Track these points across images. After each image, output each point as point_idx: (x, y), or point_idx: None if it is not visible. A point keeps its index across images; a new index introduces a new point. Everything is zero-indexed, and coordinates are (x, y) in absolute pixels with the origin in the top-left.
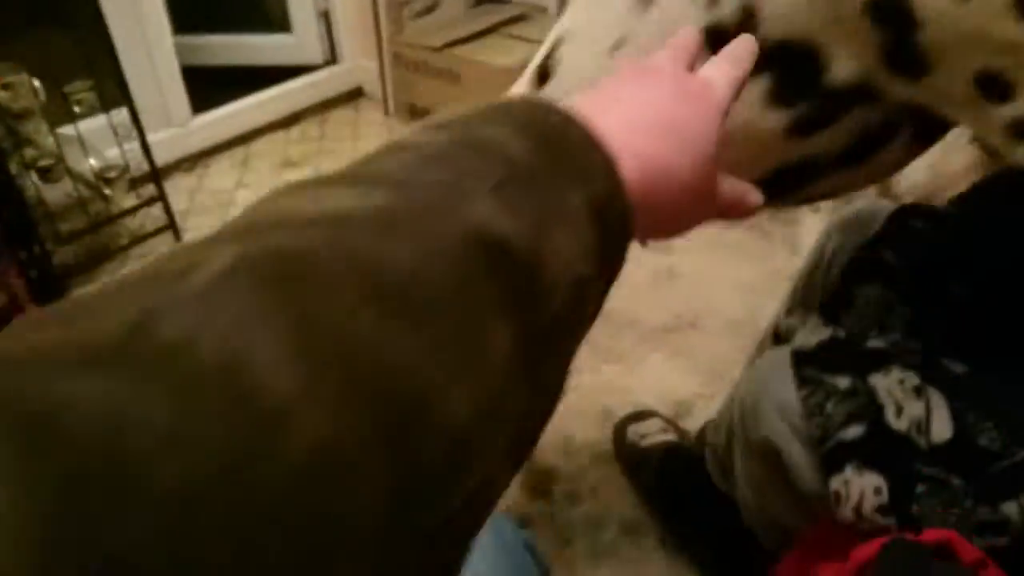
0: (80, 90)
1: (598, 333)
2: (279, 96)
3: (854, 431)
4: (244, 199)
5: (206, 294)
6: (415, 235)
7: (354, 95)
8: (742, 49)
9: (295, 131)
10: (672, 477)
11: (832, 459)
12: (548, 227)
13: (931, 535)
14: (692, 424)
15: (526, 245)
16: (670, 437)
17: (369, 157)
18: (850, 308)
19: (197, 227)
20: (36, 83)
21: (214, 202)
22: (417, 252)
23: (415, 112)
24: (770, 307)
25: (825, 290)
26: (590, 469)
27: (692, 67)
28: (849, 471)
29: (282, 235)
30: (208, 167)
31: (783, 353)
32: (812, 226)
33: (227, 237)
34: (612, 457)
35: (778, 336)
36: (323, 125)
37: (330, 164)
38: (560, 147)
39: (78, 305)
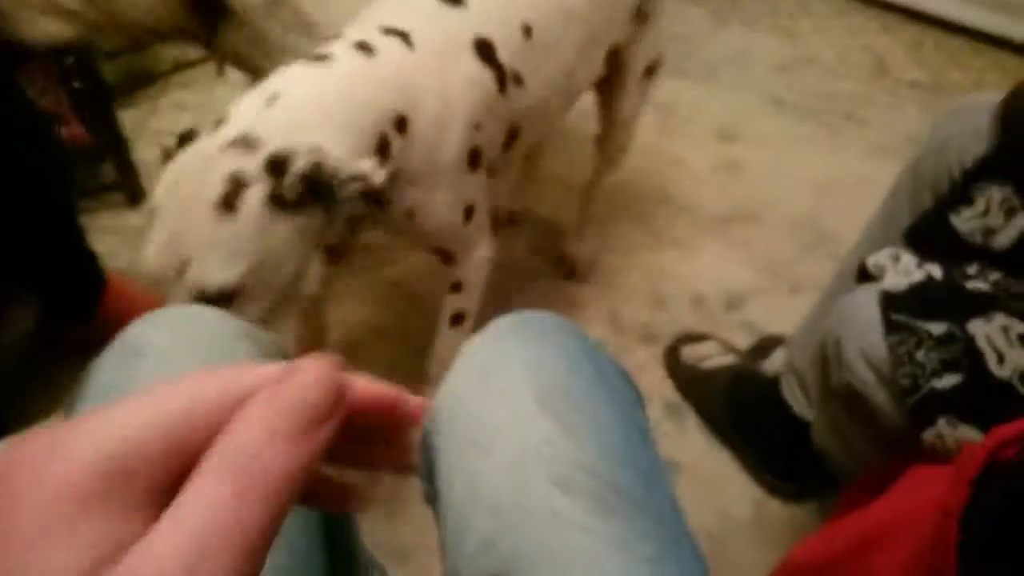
0: None
1: (655, 215)
2: None
3: (948, 380)
4: None
5: None
6: None
7: None
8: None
9: None
10: (743, 402)
11: (922, 410)
12: None
13: None
14: (741, 317)
15: None
16: (729, 360)
17: None
18: (966, 206)
19: None
20: None
21: None
22: None
23: None
24: (835, 208)
25: (937, 186)
26: (637, 349)
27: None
28: (942, 424)
29: None
30: None
31: (870, 294)
32: (881, 129)
33: None
34: (658, 338)
35: (865, 272)
36: None
37: None
38: None
39: None
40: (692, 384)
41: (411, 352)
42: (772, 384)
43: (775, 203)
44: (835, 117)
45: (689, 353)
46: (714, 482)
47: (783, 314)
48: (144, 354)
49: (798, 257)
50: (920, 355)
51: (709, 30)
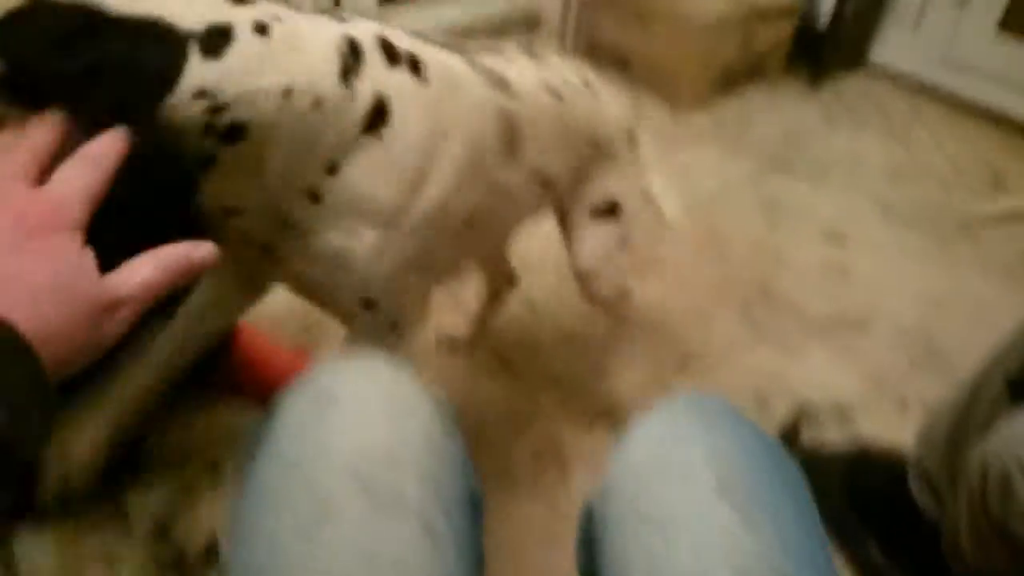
0: None
1: (757, 310)
2: (456, 4)
3: None
4: None
5: None
6: None
7: (532, 23)
8: (106, 146)
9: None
10: (863, 487)
11: None
12: None
13: None
14: (848, 431)
15: None
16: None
17: None
18: None
19: None
20: None
21: None
22: None
23: (594, 51)
24: (947, 324)
25: None
26: None
27: (44, 172)
28: None
29: None
30: None
31: None
32: (998, 245)
33: None
34: None
35: (1018, 387)
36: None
37: None
38: None
39: None
40: (809, 465)
41: None
42: (899, 474)
43: (883, 312)
44: (948, 229)
45: (809, 438)
46: None
47: (892, 431)
48: (339, 401)
49: (908, 372)
50: None
51: (820, 129)
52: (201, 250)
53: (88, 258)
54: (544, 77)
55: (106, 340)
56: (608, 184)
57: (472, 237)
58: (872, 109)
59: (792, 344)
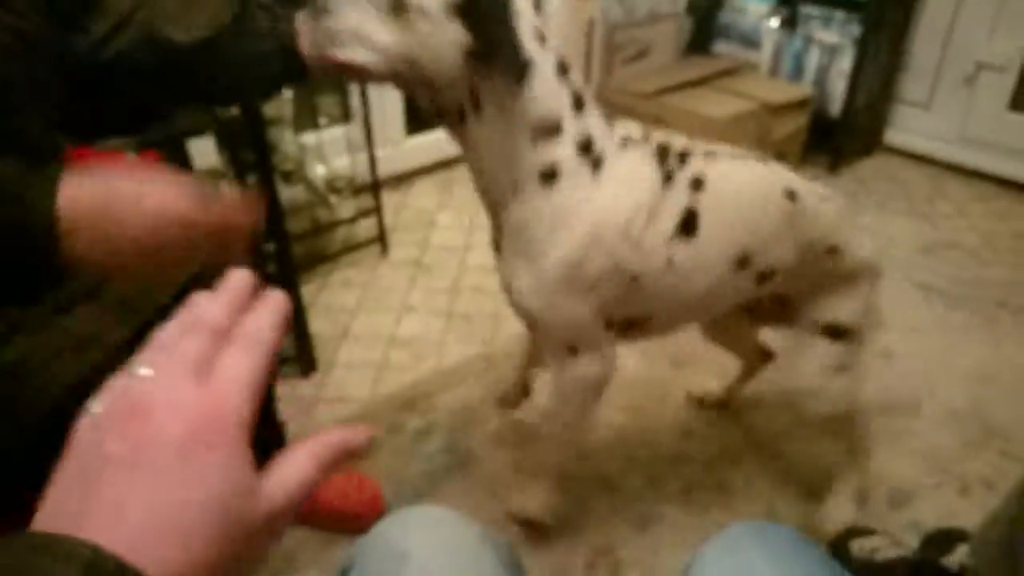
0: (328, 103)
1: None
2: None
3: None
4: (445, 221)
5: None
6: None
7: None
8: (268, 321)
9: None
10: None
11: None
12: None
13: None
14: (908, 516)
15: None
16: (900, 552)
17: None
18: None
19: (401, 242)
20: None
21: (417, 221)
22: None
23: None
24: (998, 401)
25: None
26: None
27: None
28: None
29: None
30: (412, 186)
31: None
32: None
33: None
34: (816, 531)
35: None
36: None
37: None
38: None
39: None
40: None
41: None
42: None
43: (933, 394)
44: (988, 305)
45: (859, 547)
46: None
47: (954, 515)
48: (409, 556)
49: (964, 453)
50: None
51: None
52: (360, 435)
53: (250, 470)
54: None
55: (257, 561)
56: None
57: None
58: (894, 189)
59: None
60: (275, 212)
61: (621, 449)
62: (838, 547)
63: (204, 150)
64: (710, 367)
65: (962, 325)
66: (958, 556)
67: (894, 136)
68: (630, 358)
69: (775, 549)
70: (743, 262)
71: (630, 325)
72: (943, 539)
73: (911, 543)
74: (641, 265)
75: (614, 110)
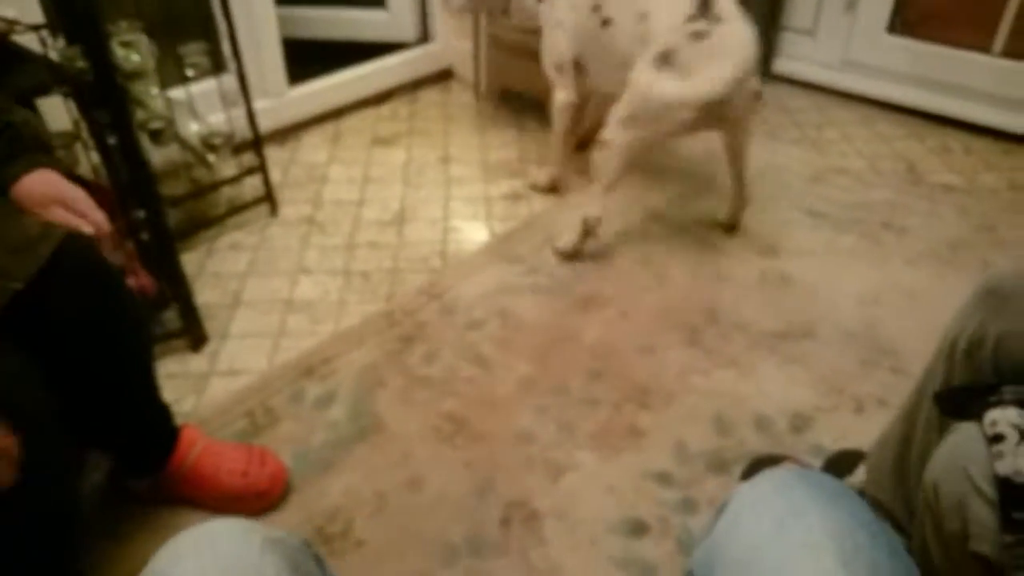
0: (194, 52)
1: (705, 334)
2: (371, 73)
3: None
4: (336, 175)
5: None
6: None
7: (444, 75)
8: None
9: (385, 109)
10: None
11: None
12: None
13: None
14: (809, 439)
15: None
16: None
17: None
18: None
19: (291, 199)
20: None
21: (307, 176)
22: None
23: (506, 96)
24: (888, 320)
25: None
26: (706, 479)
27: None
28: None
29: None
30: (300, 140)
31: (980, 460)
32: (921, 233)
33: None
34: (727, 464)
35: (950, 404)
36: (413, 104)
37: (420, 143)
38: None
39: None
40: None
41: None
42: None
43: (827, 317)
44: (874, 226)
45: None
46: None
47: (852, 435)
48: None
49: (859, 373)
50: None
51: None
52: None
53: None
54: None
55: None
56: None
57: None
58: (784, 119)
59: (745, 362)
60: (143, 175)
61: (530, 399)
62: (750, 475)
63: (56, 109)
64: (619, 304)
65: (851, 248)
66: (857, 477)
67: (783, 64)
68: (532, 308)
69: (820, 492)
70: None
71: None
72: (843, 461)
73: (815, 466)
74: None
75: (503, 49)
